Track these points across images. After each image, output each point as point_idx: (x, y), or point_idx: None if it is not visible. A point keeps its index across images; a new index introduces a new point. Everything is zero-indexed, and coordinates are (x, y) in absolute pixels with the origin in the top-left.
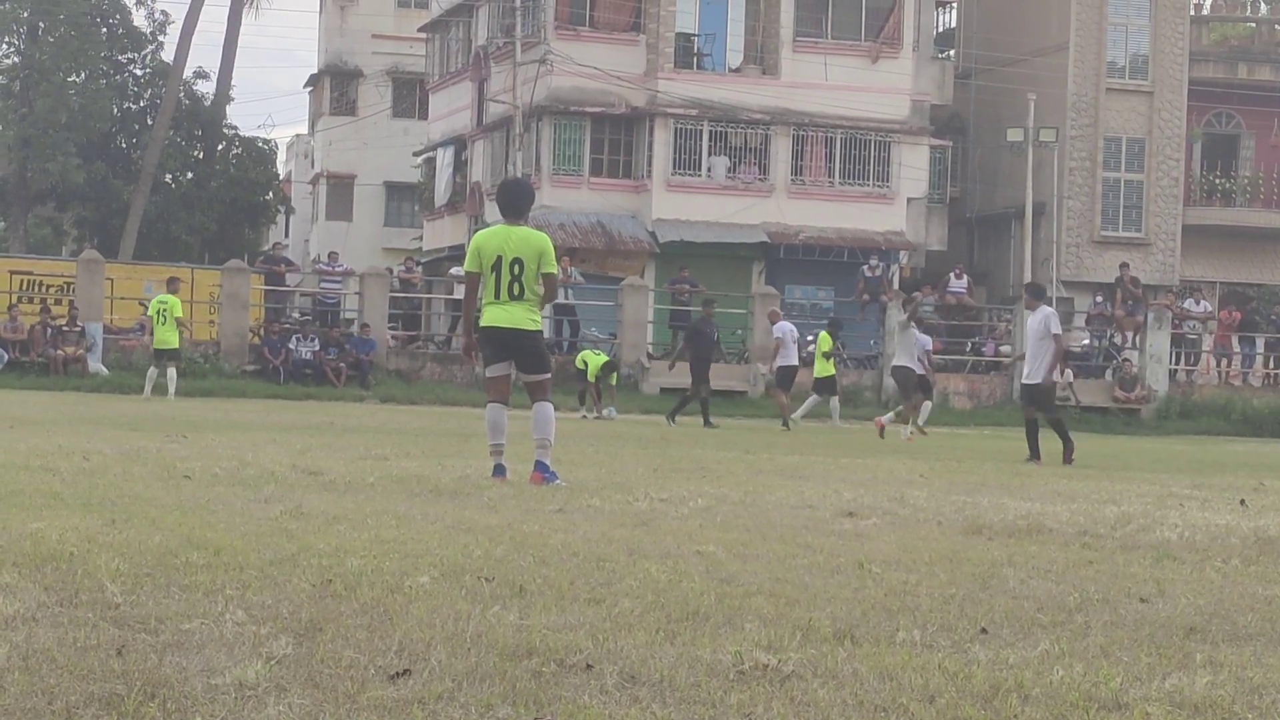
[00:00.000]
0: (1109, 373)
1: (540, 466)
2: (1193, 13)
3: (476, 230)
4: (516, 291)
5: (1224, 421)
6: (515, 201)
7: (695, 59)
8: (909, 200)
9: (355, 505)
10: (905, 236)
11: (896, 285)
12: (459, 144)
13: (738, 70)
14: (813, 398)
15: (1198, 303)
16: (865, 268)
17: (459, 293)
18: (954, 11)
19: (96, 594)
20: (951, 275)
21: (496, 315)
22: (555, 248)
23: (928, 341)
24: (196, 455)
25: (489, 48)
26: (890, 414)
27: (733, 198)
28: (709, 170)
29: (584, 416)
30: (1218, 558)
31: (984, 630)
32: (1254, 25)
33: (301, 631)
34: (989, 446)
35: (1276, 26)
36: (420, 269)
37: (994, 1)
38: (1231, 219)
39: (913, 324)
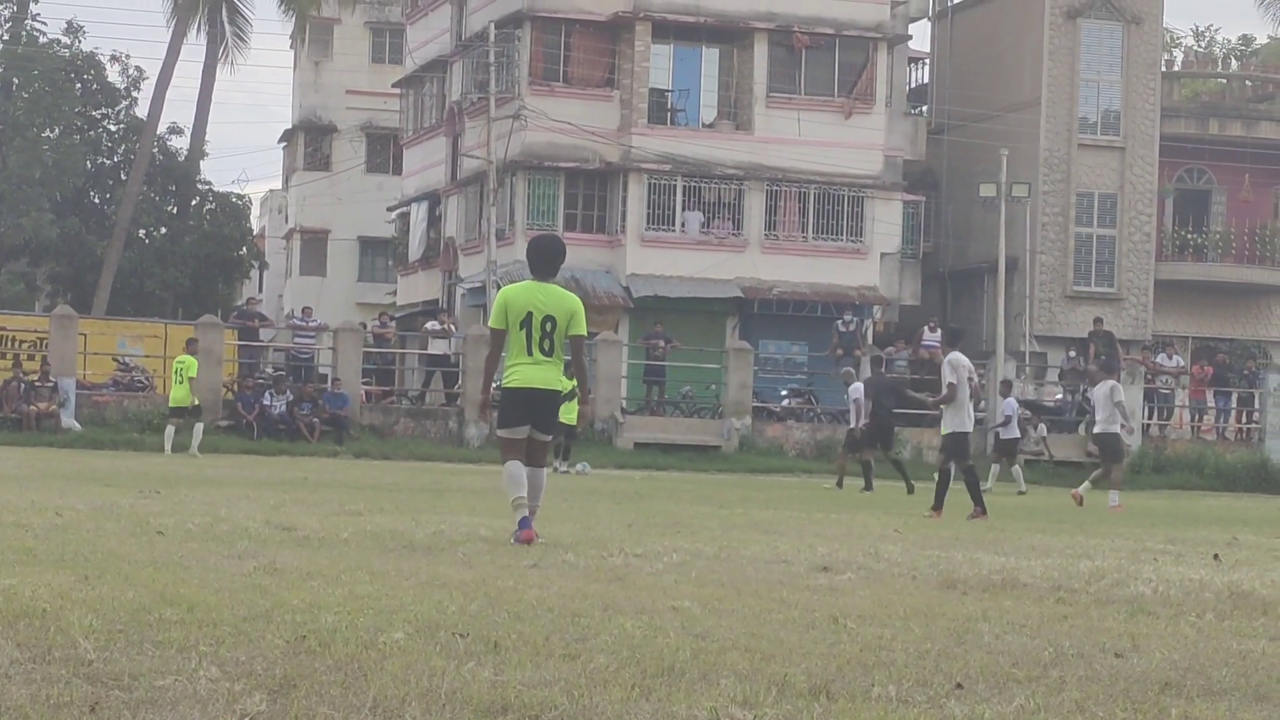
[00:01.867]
0: (1082, 427)
1: (526, 522)
2: (1164, 69)
3: (451, 285)
4: (547, 348)
5: (1197, 476)
6: (547, 258)
7: (669, 114)
8: (882, 255)
9: (329, 561)
10: (879, 291)
11: (870, 340)
12: (433, 199)
13: (711, 126)
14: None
15: (1170, 357)
16: (839, 323)
17: (434, 348)
18: (926, 67)
19: (69, 650)
20: (925, 329)
21: (530, 375)
22: None
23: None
24: (170, 511)
25: (463, 103)
26: (1086, 483)
27: (707, 253)
28: (683, 225)
29: (555, 469)
30: (1192, 612)
31: (959, 685)
32: (1225, 81)
33: (275, 688)
34: (963, 501)
35: (1247, 83)
36: (394, 324)
37: (966, 58)
38: (1203, 274)
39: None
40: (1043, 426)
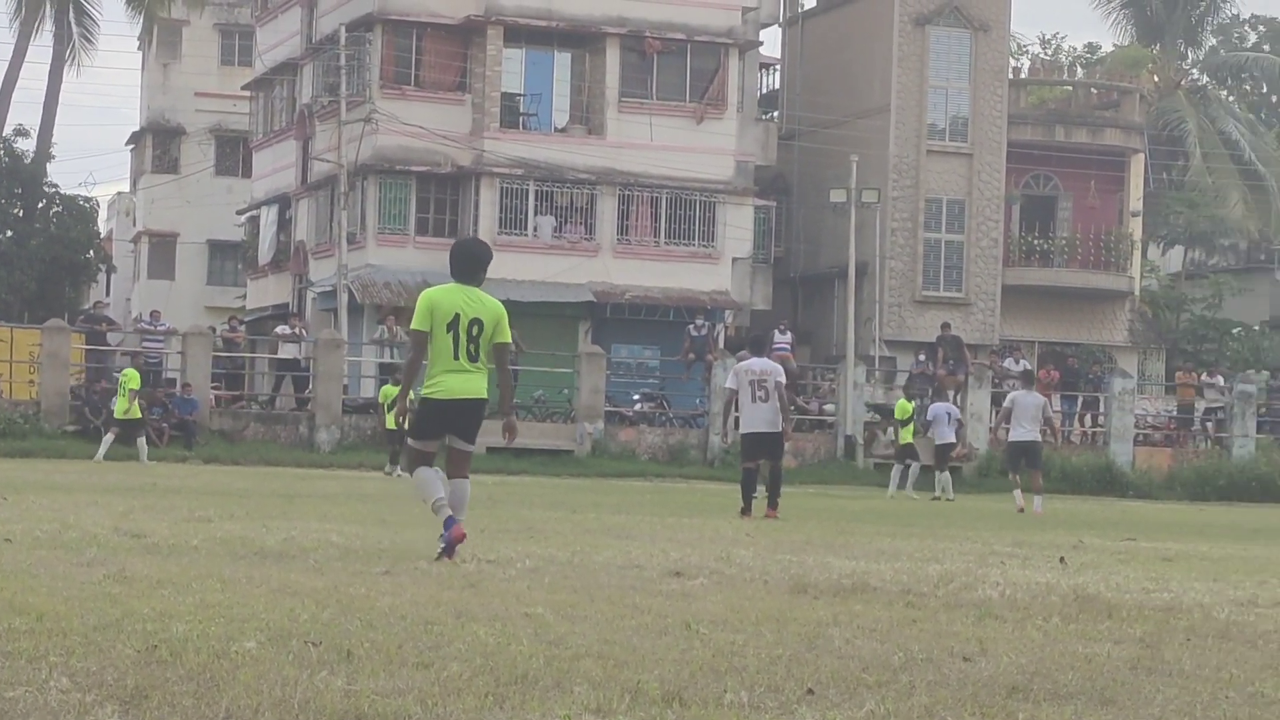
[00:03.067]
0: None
1: (451, 521)
2: (1011, 76)
3: (302, 289)
4: (473, 353)
5: (1043, 479)
6: (472, 262)
7: (521, 119)
8: (734, 260)
9: (179, 569)
10: (730, 296)
11: (721, 344)
12: (283, 202)
13: (564, 130)
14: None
15: (1017, 362)
16: (691, 327)
17: (284, 352)
18: (778, 73)
19: None
20: (775, 331)
21: (457, 385)
22: (380, 307)
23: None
24: (17, 518)
25: (314, 106)
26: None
27: (559, 257)
28: (535, 230)
29: (387, 474)
30: (1039, 616)
31: (810, 691)
32: (1070, 89)
33: (127, 699)
34: (814, 505)
35: (1092, 90)
36: (244, 328)
37: (817, 64)
38: (1050, 279)
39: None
40: (892, 430)
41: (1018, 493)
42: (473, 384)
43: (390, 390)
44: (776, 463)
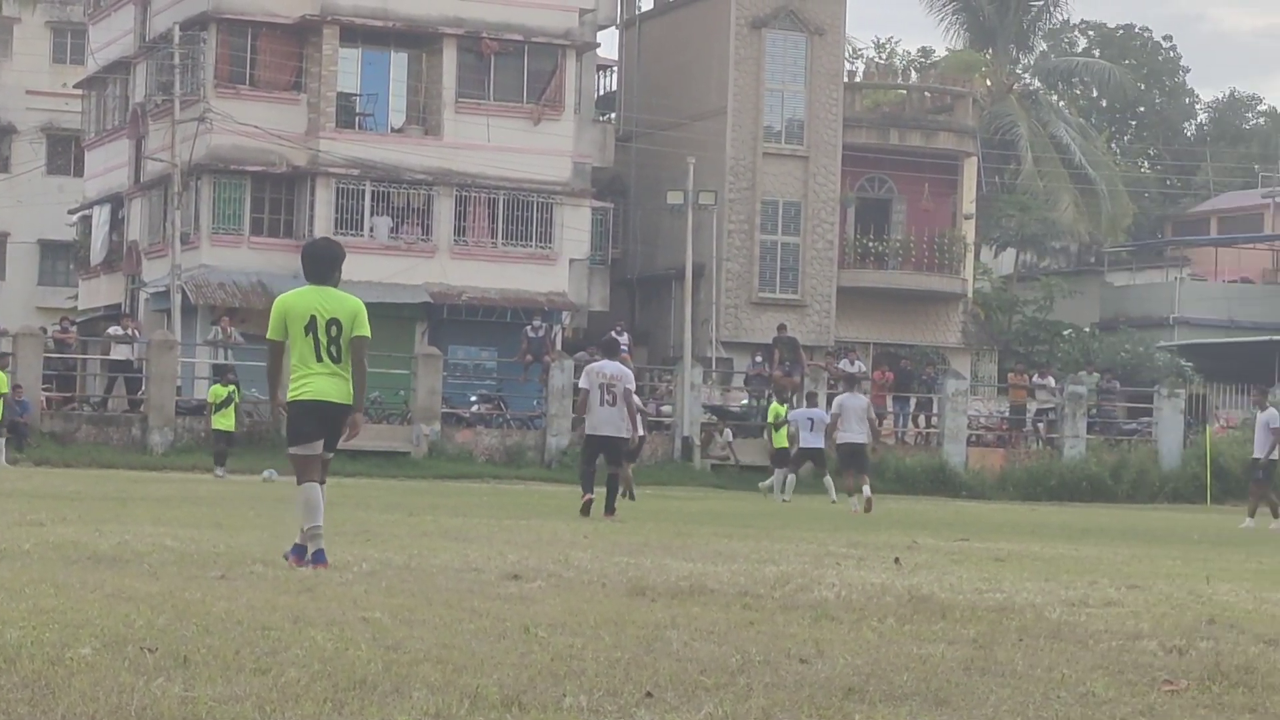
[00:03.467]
0: (766, 432)
1: (321, 556)
2: (846, 80)
3: (135, 290)
4: (335, 354)
5: (878, 480)
6: (325, 263)
7: (357, 119)
8: (571, 261)
9: (11, 574)
10: (568, 297)
11: (559, 346)
12: (116, 202)
13: (400, 130)
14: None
15: (852, 363)
16: (528, 328)
17: (117, 353)
18: (615, 75)
19: None
20: (612, 333)
21: (323, 388)
22: (214, 307)
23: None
24: None
25: (147, 105)
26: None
27: (395, 258)
28: (371, 230)
29: (218, 476)
30: (874, 617)
31: (649, 694)
32: (905, 92)
33: None
34: (652, 506)
35: (926, 94)
36: (75, 329)
37: (654, 66)
38: (884, 281)
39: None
40: (729, 431)
41: (852, 495)
42: (339, 388)
43: (219, 390)
44: (615, 468)
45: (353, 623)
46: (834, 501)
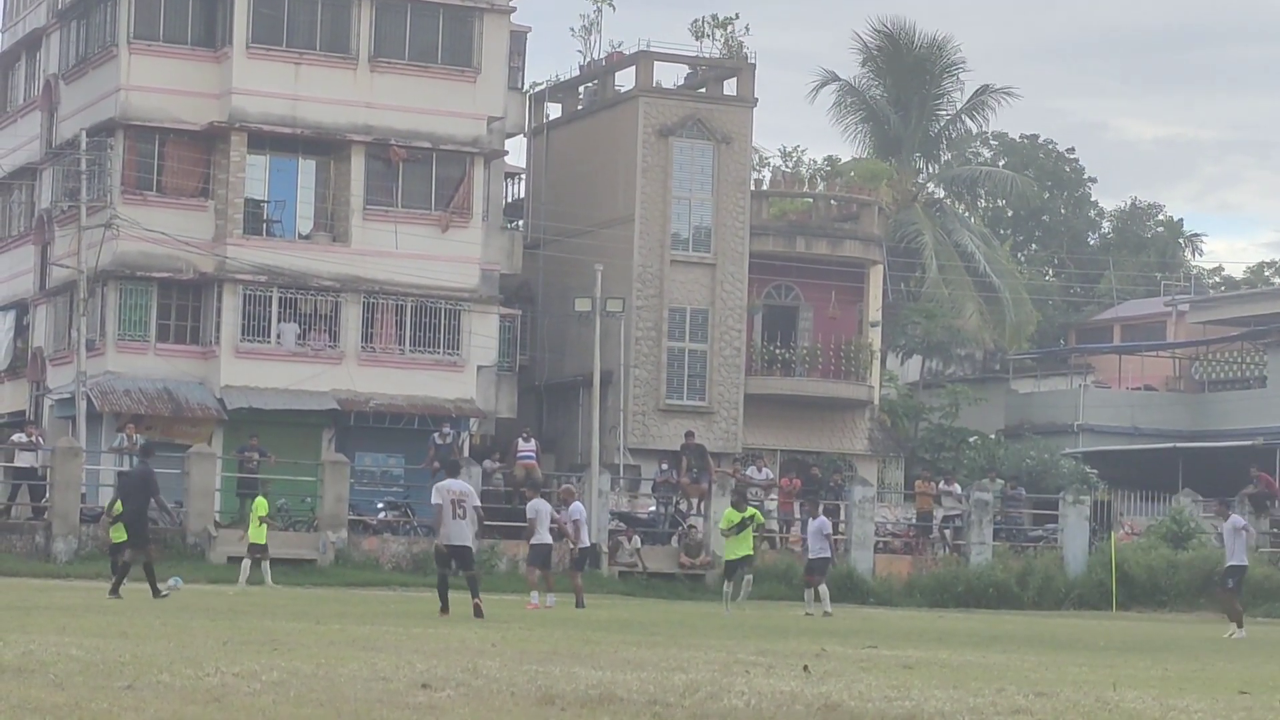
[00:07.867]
0: (675, 539)
1: None
2: (753, 188)
3: (39, 397)
4: None
5: (785, 586)
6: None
7: (265, 225)
8: (479, 368)
9: None
10: (475, 404)
11: (467, 453)
12: (21, 308)
13: (308, 237)
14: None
15: (760, 470)
16: (436, 435)
17: (21, 460)
18: (523, 182)
19: None
20: (520, 440)
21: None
22: (119, 414)
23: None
24: None
25: (53, 211)
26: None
27: (303, 364)
28: (278, 337)
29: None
30: None
31: None
32: (811, 201)
33: None
34: (559, 615)
35: (832, 202)
36: None
37: (562, 173)
38: (791, 388)
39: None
40: (637, 539)
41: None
42: None
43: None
44: (470, 570)
45: None
46: (808, 614)
